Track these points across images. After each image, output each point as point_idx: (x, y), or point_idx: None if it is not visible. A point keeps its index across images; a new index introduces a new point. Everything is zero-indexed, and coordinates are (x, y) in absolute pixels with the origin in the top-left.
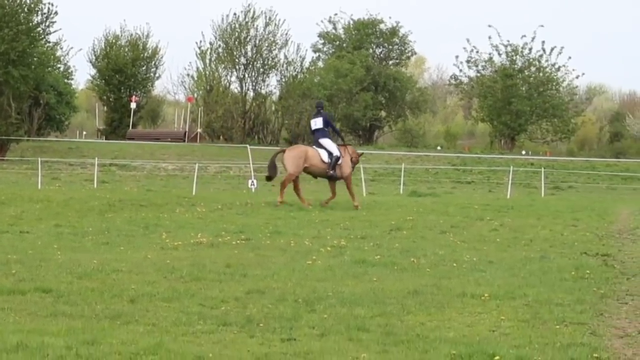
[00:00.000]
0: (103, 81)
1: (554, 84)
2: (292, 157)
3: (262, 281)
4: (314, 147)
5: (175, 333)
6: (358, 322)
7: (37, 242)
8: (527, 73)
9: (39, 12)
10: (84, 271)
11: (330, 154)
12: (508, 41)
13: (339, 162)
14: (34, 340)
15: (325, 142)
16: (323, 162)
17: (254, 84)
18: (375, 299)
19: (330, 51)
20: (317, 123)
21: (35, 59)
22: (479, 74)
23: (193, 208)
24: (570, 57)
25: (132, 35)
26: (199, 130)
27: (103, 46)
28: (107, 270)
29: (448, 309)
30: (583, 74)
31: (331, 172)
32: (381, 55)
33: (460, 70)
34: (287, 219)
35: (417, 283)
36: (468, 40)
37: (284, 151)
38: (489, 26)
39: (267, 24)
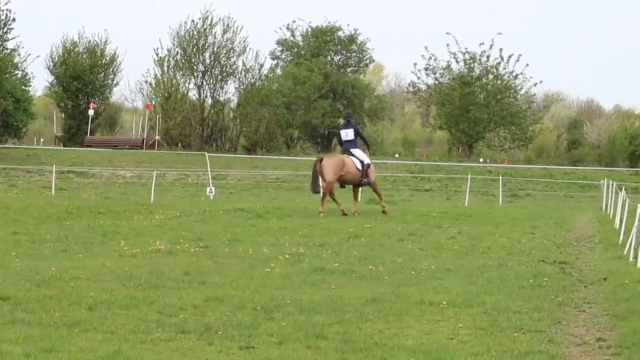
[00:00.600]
0: (61, 88)
1: (512, 91)
2: (331, 166)
3: (220, 289)
4: (348, 156)
5: (134, 341)
6: (317, 329)
7: None
8: (485, 81)
9: None
10: (42, 279)
11: (362, 162)
12: (466, 49)
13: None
14: None
15: (357, 152)
16: (358, 170)
17: (212, 91)
18: (334, 306)
19: (289, 58)
20: (348, 134)
21: None
22: (437, 82)
23: (151, 215)
24: (527, 65)
25: (90, 41)
26: (157, 137)
27: (61, 53)
28: (66, 277)
29: (406, 316)
30: (541, 81)
31: (365, 179)
32: (339, 62)
33: (419, 78)
34: (246, 226)
35: (375, 291)
36: (426, 48)
37: (321, 160)
38: (447, 34)
39: (225, 31)
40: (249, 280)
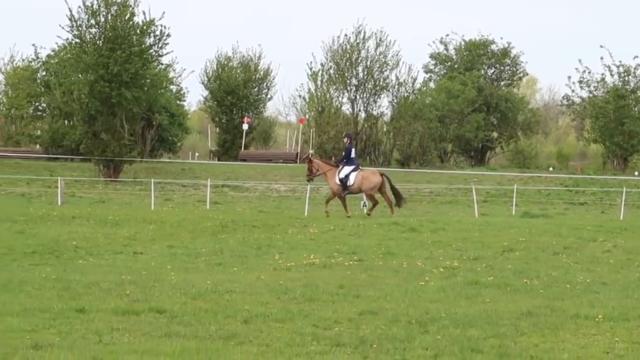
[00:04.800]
0: (215, 102)
1: None
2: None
3: (375, 302)
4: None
5: (289, 354)
6: (471, 343)
7: (150, 263)
8: (639, 94)
9: (152, 35)
10: (197, 292)
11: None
12: (620, 62)
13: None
14: None
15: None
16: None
17: (365, 105)
18: (489, 320)
19: (442, 72)
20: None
21: (147, 80)
22: (591, 95)
23: (305, 229)
24: None
25: (244, 56)
26: (311, 151)
27: (215, 68)
28: (221, 291)
29: (562, 330)
30: None
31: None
32: (493, 76)
33: (573, 91)
34: (400, 240)
35: (530, 304)
36: (580, 61)
37: (382, 174)
38: (601, 47)
39: (378, 45)
40: (403, 293)
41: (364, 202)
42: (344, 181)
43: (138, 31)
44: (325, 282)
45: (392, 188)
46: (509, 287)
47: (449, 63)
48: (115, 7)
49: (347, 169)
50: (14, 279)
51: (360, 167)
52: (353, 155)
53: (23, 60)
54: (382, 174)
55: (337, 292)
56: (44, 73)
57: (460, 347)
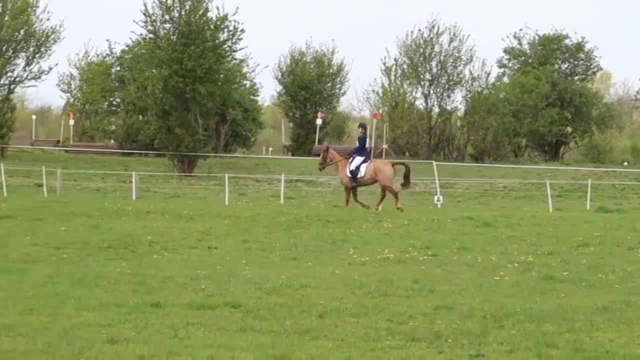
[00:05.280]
0: (289, 97)
1: None
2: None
3: (449, 297)
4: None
5: (364, 348)
6: (547, 338)
7: (225, 258)
8: None
9: (225, 30)
10: (272, 286)
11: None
12: None
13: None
14: (224, 355)
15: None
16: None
17: (439, 99)
18: (564, 315)
19: (516, 67)
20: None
21: (221, 75)
22: None
23: (380, 224)
24: None
25: (317, 51)
26: (385, 146)
27: (289, 62)
28: (296, 285)
29: (637, 325)
30: None
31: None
32: (566, 70)
33: None
34: (474, 234)
35: (605, 299)
36: None
37: (394, 164)
38: None
39: (451, 40)
40: (478, 288)
41: (438, 197)
42: (354, 173)
43: (212, 26)
44: (400, 276)
45: (406, 179)
46: (584, 282)
47: (523, 58)
48: (189, 3)
49: (358, 160)
50: (90, 274)
51: (371, 159)
52: (367, 145)
53: (97, 55)
54: (393, 164)
55: (411, 286)
56: (118, 68)
57: (535, 342)
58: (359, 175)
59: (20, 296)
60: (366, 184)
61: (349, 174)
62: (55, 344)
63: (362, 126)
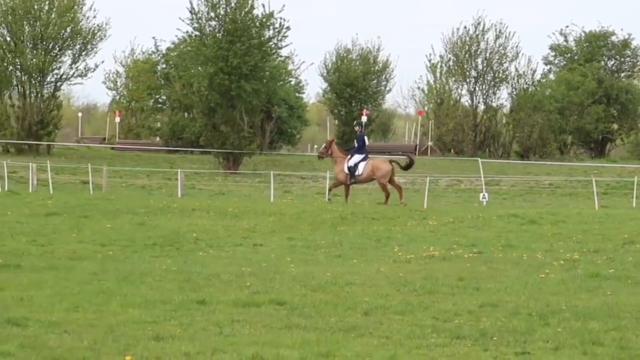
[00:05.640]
0: (334, 95)
1: None
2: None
3: (495, 294)
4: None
5: (409, 346)
6: (592, 336)
7: (270, 255)
8: None
9: (271, 27)
10: (317, 284)
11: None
12: None
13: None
14: (269, 352)
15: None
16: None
17: (484, 97)
18: (610, 312)
19: (562, 63)
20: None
21: (267, 73)
22: None
23: (424, 221)
24: None
25: (363, 48)
26: (430, 143)
27: (334, 60)
28: (341, 283)
29: None
30: None
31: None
32: (613, 67)
33: None
34: (519, 232)
35: None
36: None
37: (392, 162)
38: None
39: (497, 37)
40: (523, 286)
41: (483, 195)
42: (352, 170)
43: (257, 24)
44: (445, 274)
45: (404, 167)
46: (630, 280)
47: (569, 54)
48: (235, 0)
49: (356, 158)
50: (136, 271)
51: (369, 157)
52: (367, 143)
53: (143, 53)
54: (392, 162)
55: (456, 284)
56: (164, 66)
57: (581, 339)
58: (356, 173)
59: (67, 293)
60: (363, 182)
61: (346, 171)
62: (101, 341)
63: (359, 124)
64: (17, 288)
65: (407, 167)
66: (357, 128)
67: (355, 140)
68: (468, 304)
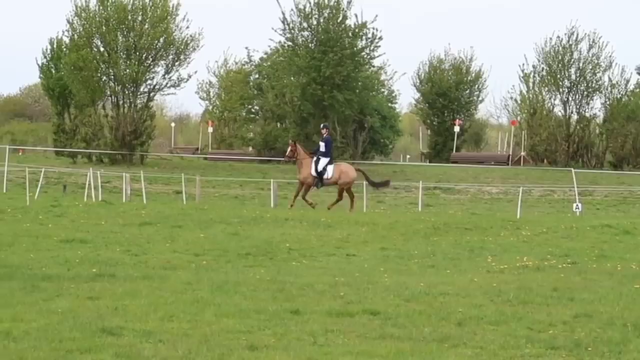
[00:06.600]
0: (427, 105)
1: None
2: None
3: (589, 305)
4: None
5: (503, 356)
6: None
7: (363, 265)
8: None
9: (364, 37)
10: (410, 294)
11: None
12: None
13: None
14: None
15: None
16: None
17: (577, 107)
18: None
19: None
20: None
21: (359, 83)
22: None
23: (518, 232)
24: None
25: (455, 58)
26: (523, 153)
27: (427, 70)
28: (434, 293)
29: None
30: None
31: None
32: None
33: None
34: (613, 242)
35: None
36: None
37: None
38: None
39: (590, 47)
40: (618, 296)
41: (577, 205)
42: (321, 174)
43: (350, 34)
44: (539, 284)
45: (371, 182)
46: None
47: None
48: (327, 10)
49: (323, 161)
50: (229, 281)
51: (335, 161)
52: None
53: (236, 63)
54: (358, 169)
55: (551, 294)
56: (257, 76)
57: None
58: (325, 176)
59: (161, 302)
60: (330, 185)
61: (314, 174)
62: (196, 350)
63: (325, 127)
64: (112, 297)
65: (378, 185)
66: (323, 131)
67: (324, 144)
68: (562, 315)
